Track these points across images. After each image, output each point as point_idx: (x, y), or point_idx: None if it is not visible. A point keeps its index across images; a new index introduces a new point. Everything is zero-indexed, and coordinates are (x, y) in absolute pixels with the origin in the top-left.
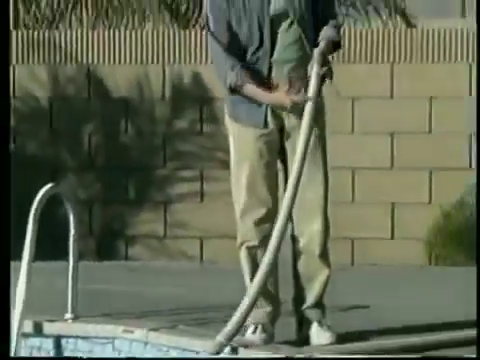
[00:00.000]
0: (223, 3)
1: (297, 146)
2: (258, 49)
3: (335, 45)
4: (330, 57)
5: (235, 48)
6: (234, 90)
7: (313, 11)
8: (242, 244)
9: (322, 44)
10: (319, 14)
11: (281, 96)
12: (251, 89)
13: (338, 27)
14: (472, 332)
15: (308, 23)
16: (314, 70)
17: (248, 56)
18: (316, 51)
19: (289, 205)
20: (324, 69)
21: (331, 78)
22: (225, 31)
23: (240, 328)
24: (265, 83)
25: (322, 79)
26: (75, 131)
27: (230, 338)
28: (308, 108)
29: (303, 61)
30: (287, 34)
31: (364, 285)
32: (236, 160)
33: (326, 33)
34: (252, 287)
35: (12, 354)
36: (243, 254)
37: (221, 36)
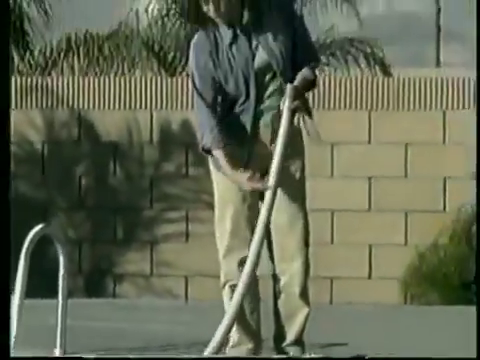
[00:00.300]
0: (209, 62)
1: (269, 175)
2: (244, 102)
3: (310, 83)
4: (306, 95)
5: (219, 104)
6: (207, 151)
7: (293, 58)
8: (225, 283)
9: (295, 80)
10: (298, 60)
11: (242, 179)
12: (221, 157)
13: (313, 67)
14: None
15: (289, 71)
16: (286, 104)
17: (235, 108)
18: (288, 86)
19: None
20: (295, 103)
21: (309, 115)
22: (210, 89)
23: (222, 345)
24: (247, 137)
25: (293, 113)
26: (66, 173)
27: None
28: (281, 140)
29: None
30: (270, 84)
31: (342, 323)
32: (220, 203)
33: (301, 72)
34: (231, 306)
35: None
36: (226, 293)
37: (206, 94)
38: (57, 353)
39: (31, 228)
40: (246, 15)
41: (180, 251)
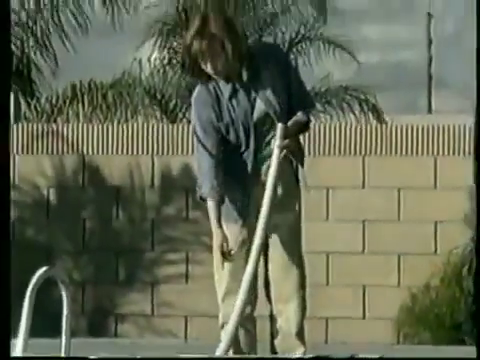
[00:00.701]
0: (211, 114)
1: (259, 217)
2: (244, 151)
3: (302, 125)
4: (299, 138)
5: (220, 154)
6: (203, 199)
7: (289, 106)
8: (223, 325)
9: (289, 122)
10: (294, 107)
11: (216, 241)
12: (211, 209)
13: (307, 111)
14: None
15: (286, 119)
16: (276, 143)
17: (235, 158)
18: (279, 125)
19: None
20: (285, 142)
21: (301, 159)
22: (212, 141)
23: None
24: (247, 184)
25: (281, 151)
26: (70, 217)
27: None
28: (272, 170)
29: None
30: (269, 133)
31: None
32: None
33: (295, 115)
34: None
35: None
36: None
37: (208, 145)
38: None
39: (35, 271)
40: (244, 72)
41: (180, 292)
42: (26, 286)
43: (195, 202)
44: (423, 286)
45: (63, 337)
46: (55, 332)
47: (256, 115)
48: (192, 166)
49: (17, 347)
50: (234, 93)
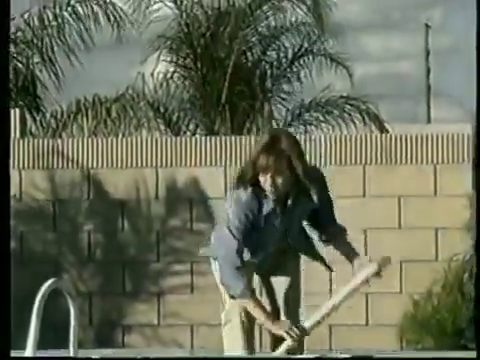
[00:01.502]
0: (250, 218)
1: None
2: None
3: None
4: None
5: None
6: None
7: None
8: (226, 324)
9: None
10: (322, 222)
11: (280, 328)
12: (253, 308)
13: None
14: None
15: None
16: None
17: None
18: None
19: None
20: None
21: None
22: (242, 241)
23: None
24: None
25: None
26: (76, 230)
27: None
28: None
29: None
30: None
31: None
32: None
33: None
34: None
35: None
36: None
37: (238, 244)
38: None
39: (43, 283)
40: (291, 199)
41: (186, 302)
42: (34, 298)
43: (199, 213)
44: (425, 293)
45: (71, 348)
46: (63, 343)
47: (278, 242)
48: (198, 177)
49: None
50: (273, 211)
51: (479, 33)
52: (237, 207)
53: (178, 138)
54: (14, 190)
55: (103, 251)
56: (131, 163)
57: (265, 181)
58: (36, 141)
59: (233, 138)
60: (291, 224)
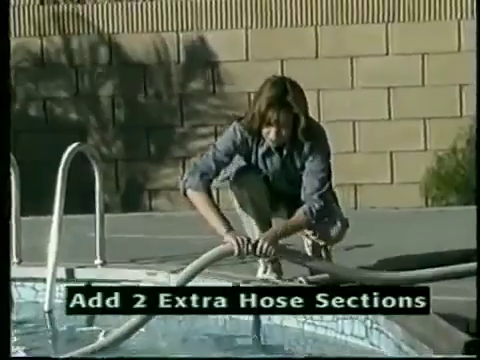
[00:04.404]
0: (239, 150)
1: None
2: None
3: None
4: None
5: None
6: (184, 194)
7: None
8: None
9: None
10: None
11: (229, 240)
12: (206, 202)
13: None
14: (472, 265)
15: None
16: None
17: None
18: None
19: None
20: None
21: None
22: (226, 152)
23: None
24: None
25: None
26: (98, 95)
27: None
28: None
29: None
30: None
31: (367, 227)
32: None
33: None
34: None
35: (47, 301)
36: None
37: (220, 150)
38: (97, 263)
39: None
40: (286, 150)
41: None
42: (58, 164)
43: (221, 75)
44: (449, 149)
45: (97, 211)
46: (90, 209)
47: (279, 184)
48: (218, 40)
49: (53, 222)
50: (268, 153)
51: (479, 33)
52: (230, 131)
53: (199, 0)
54: (36, 56)
55: (126, 116)
56: (152, 27)
57: (268, 132)
58: (56, 6)
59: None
60: (285, 170)
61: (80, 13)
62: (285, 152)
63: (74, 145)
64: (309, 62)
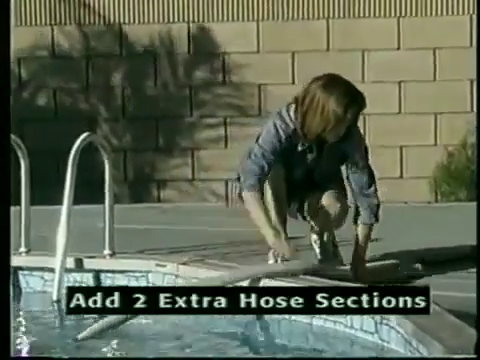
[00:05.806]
0: (284, 145)
1: None
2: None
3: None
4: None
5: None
6: (240, 197)
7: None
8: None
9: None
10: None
11: (283, 245)
12: (256, 201)
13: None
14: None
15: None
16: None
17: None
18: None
19: None
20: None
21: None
22: (272, 151)
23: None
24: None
25: None
26: (109, 85)
27: None
28: None
29: None
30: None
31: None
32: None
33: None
34: None
35: (55, 290)
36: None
37: (267, 149)
38: (106, 253)
39: (77, 138)
40: (325, 150)
41: (220, 155)
42: (68, 154)
43: (231, 66)
44: (460, 144)
45: (106, 201)
46: (99, 199)
47: (316, 178)
48: (228, 32)
49: (62, 212)
50: (309, 149)
51: (479, 33)
52: (273, 124)
53: None
54: (47, 46)
55: (136, 107)
56: (163, 18)
57: (331, 133)
58: None
59: None
60: (322, 165)
61: (91, 4)
62: (325, 148)
63: (84, 135)
64: (320, 55)
